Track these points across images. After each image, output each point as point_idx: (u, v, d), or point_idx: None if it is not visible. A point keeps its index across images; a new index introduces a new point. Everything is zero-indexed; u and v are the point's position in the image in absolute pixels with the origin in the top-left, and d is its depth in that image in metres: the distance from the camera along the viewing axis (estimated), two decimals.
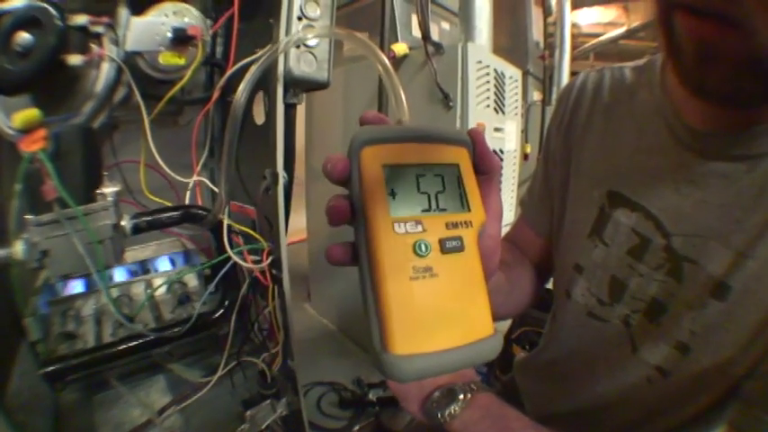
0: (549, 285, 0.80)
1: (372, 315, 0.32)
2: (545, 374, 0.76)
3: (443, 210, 0.34)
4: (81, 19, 0.81)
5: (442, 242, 0.33)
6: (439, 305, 0.32)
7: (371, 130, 0.34)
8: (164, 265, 1.21)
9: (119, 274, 1.15)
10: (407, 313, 0.31)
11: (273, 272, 0.86)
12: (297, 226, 2.41)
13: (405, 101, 0.38)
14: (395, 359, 0.30)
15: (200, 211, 0.92)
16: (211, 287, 0.95)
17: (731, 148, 0.49)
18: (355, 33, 0.43)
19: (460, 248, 0.33)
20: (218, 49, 1.05)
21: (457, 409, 0.46)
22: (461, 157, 0.37)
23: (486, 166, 0.38)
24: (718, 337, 0.50)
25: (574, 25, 4.12)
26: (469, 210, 0.35)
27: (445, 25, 1.89)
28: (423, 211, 0.33)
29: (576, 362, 0.68)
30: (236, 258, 0.87)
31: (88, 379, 1.06)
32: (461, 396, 0.47)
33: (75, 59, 0.80)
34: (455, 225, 0.34)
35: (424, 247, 0.32)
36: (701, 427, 0.56)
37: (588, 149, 0.66)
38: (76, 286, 1.08)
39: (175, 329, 0.99)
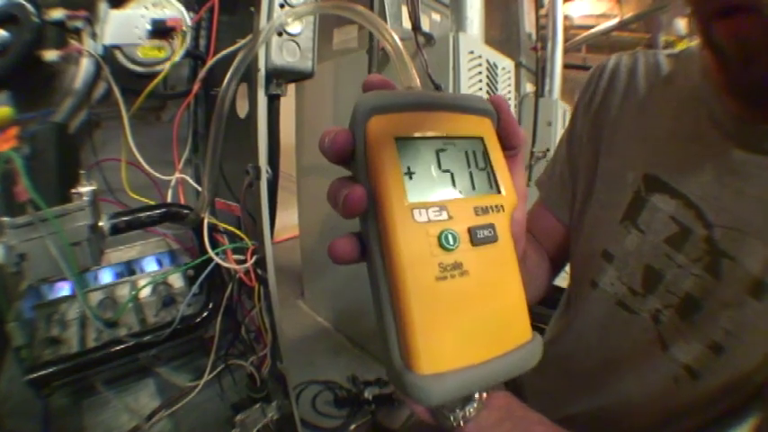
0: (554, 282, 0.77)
1: (389, 325, 0.26)
2: (558, 371, 0.72)
3: (471, 192, 0.29)
4: (58, 13, 0.80)
5: (472, 231, 0.27)
6: (472, 310, 0.26)
7: (380, 96, 0.28)
8: (150, 265, 1.18)
9: (105, 276, 1.12)
10: (435, 322, 0.25)
11: (258, 272, 0.83)
12: (289, 223, 2.38)
13: (413, 66, 0.32)
14: (421, 380, 0.24)
15: (181, 210, 0.89)
16: (194, 289, 0.92)
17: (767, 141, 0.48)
18: (344, 2, 0.37)
19: (493, 239, 0.28)
20: (202, 42, 1.02)
21: (472, 410, 0.42)
22: (486, 130, 0.31)
23: (512, 140, 0.33)
24: (754, 339, 0.48)
25: (566, 17, 4.11)
26: (500, 191, 0.30)
27: (436, 16, 1.87)
28: (446, 193, 0.28)
29: (597, 357, 0.64)
30: (217, 259, 0.83)
31: (76, 384, 1.04)
32: (477, 395, 0.43)
33: (51, 55, 0.79)
34: (485, 210, 0.29)
35: (451, 239, 0.26)
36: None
37: (622, 131, 0.63)
38: (63, 289, 1.04)
39: (158, 333, 0.96)
